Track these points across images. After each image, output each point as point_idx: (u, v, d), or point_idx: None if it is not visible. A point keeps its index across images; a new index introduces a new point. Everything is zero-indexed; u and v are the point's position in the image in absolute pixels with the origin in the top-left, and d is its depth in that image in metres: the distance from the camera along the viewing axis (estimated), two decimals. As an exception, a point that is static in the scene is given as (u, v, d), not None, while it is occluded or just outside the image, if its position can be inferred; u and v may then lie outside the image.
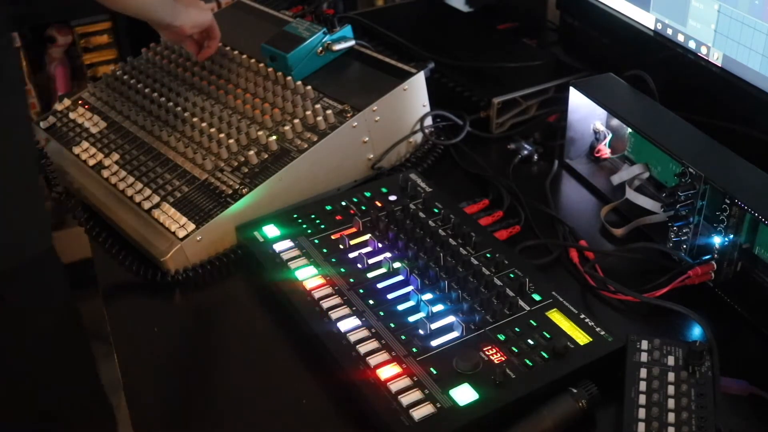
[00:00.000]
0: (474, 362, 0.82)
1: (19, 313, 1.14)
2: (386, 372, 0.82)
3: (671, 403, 0.78)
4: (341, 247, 1.00)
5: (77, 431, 1.26)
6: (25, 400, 1.19)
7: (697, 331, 0.91)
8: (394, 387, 0.80)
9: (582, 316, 0.87)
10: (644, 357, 0.82)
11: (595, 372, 0.82)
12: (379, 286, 0.93)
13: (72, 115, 1.28)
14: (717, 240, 0.94)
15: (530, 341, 0.84)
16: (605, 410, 0.81)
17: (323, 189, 1.13)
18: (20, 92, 1.05)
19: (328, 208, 1.07)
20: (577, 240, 1.05)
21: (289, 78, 1.22)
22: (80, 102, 1.31)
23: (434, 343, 0.85)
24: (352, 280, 0.94)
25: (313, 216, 1.05)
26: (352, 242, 1.00)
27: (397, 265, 0.95)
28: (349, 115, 1.14)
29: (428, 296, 0.90)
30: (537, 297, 0.90)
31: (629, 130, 1.14)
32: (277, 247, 1.00)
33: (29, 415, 1.20)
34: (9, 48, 1.01)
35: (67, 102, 1.31)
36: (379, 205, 1.06)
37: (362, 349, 0.85)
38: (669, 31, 1.21)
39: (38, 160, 1.09)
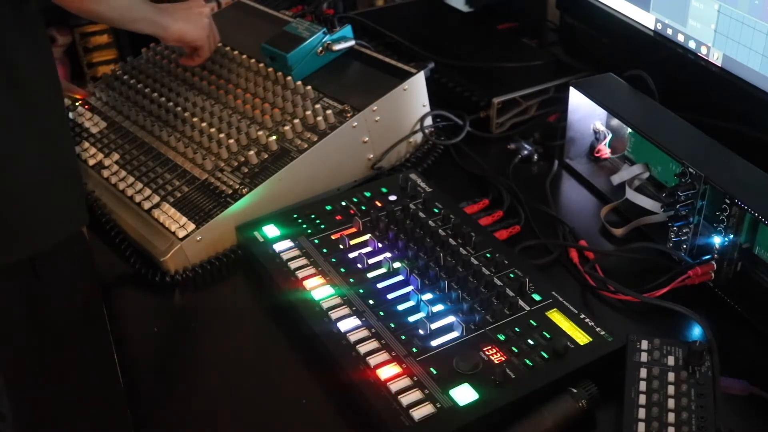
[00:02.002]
0: (474, 362, 0.82)
1: (50, 293, 1.14)
2: (386, 372, 0.82)
3: (671, 403, 0.78)
4: (341, 247, 1.00)
5: (94, 415, 1.26)
6: (49, 380, 1.20)
7: (697, 331, 0.91)
8: (394, 387, 0.80)
9: (582, 316, 0.87)
10: (644, 357, 0.82)
11: (595, 372, 0.82)
12: (379, 286, 0.93)
13: (72, 115, 1.28)
14: (717, 240, 0.94)
15: (530, 341, 0.84)
16: (605, 410, 0.81)
17: (323, 189, 1.13)
18: (56, 75, 1.06)
19: (328, 208, 1.07)
20: (577, 240, 1.05)
21: (289, 78, 1.22)
22: (80, 102, 1.31)
23: (434, 343, 0.85)
24: (352, 280, 0.94)
25: (313, 216, 1.05)
26: (352, 242, 1.00)
27: (397, 265, 0.95)
28: (349, 115, 1.14)
29: (428, 296, 0.90)
30: (537, 297, 0.90)
31: (629, 130, 1.14)
32: (277, 247, 1.00)
33: (52, 393, 1.20)
34: (39, 20, 1.02)
35: (67, 102, 1.31)
36: (379, 205, 1.06)
37: (362, 349, 0.85)
38: (669, 31, 1.21)
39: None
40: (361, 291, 0.93)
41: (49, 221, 1.04)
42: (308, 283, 0.94)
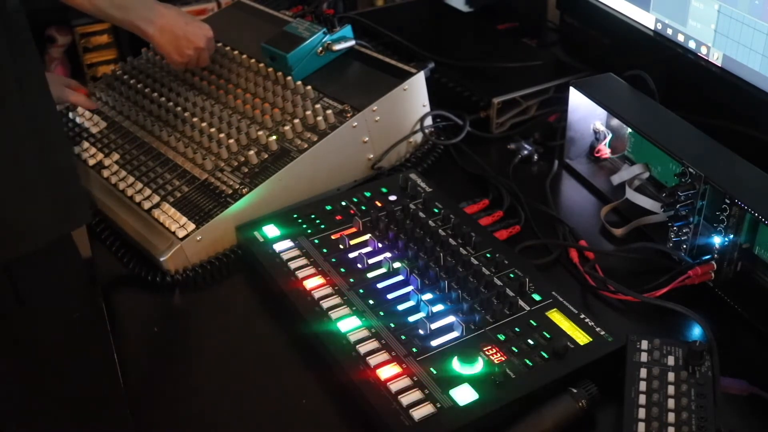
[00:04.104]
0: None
1: (50, 292, 1.14)
2: (386, 372, 0.82)
3: (671, 403, 0.78)
4: (341, 247, 1.00)
5: (94, 415, 1.26)
6: (48, 380, 1.19)
7: (697, 331, 0.91)
8: (394, 387, 0.80)
9: (582, 316, 0.87)
10: (644, 357, 0.82)
11: (595, 372, 0.82)
12: (379, 286, 0.93)
13: (72, 115, 1.28)
14: (717, 240, 0.94)
15: (530, 341, 0.84)
16: (605, 410, 0.81)
17: (323, 189, 1.13)
18: (41, 72, 1.06)
19: (328, 208, 1.07)
20: (577, 240, 1.05)
21: (289, 78, 1.22)
22: (80, 102, 1.31)
23: (434, 343, 0.85)
24: (352, 280, 0.94)
25: (313, 216, 1.05)
26: (352, 242, 1.00)
27: (397, 265, 0.95)
28: (349, 115, 1.14)
29: (428, 296, 0.90)
30: (537, 297, 0.90)
31: (629, 130, 1.14)
32: (277, 247, 1.00)
33: (51, 393, 1.20)
34: (21, 17, 1.02)
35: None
36: (379, 205, 1.06)
37: (362, 349, 0.85)
38: (669, 31, 1.21)
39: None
40: (361, 291, 0.93)
41: (33, 223, 1.03)
42: (308, 283, 0.94)
